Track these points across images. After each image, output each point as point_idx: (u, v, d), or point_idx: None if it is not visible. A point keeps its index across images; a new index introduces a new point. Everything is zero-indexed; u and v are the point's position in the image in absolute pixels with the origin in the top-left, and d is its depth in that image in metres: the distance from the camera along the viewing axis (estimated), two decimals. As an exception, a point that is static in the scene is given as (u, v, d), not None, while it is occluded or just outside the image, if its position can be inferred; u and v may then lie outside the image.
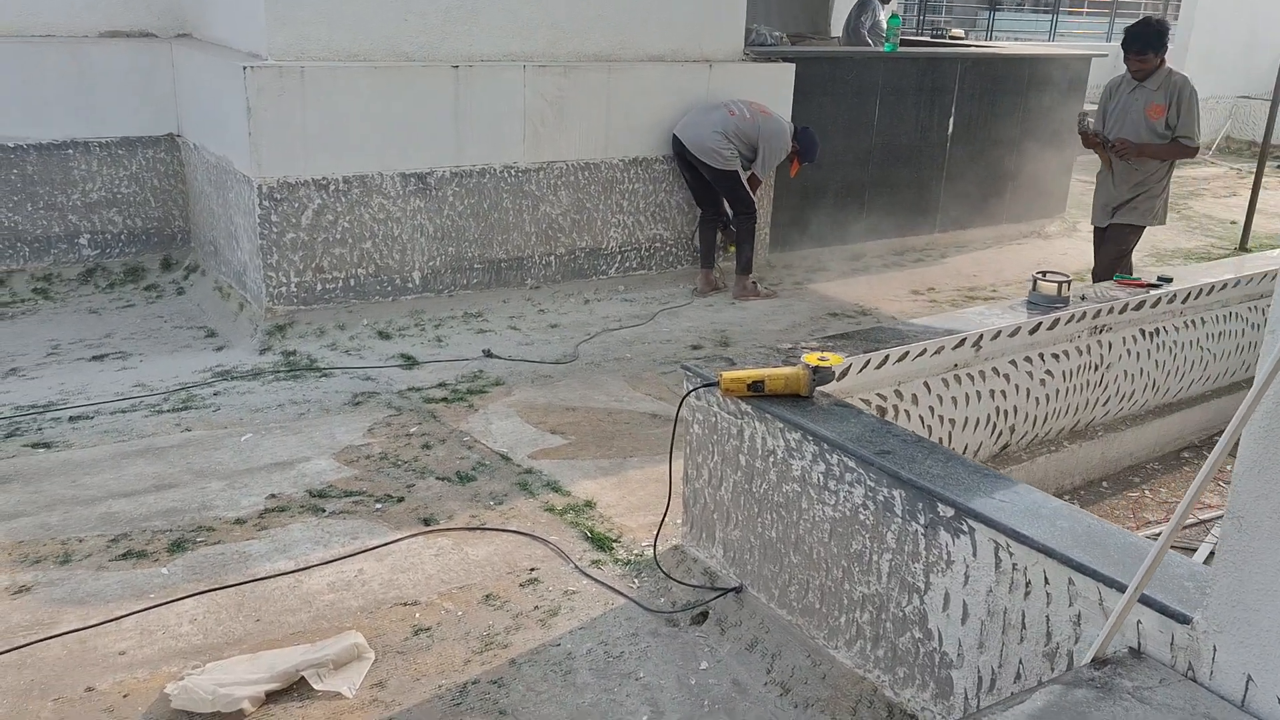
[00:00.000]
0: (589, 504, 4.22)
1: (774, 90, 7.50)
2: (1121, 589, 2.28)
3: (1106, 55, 11.37)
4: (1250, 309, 5.18)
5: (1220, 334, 5.05)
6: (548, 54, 6.58)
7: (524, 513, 4.14)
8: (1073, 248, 9.32)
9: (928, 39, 10.71)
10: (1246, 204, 10.64)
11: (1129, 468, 4.73)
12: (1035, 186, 9.65)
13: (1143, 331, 4.65)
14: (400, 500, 4.18)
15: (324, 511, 4.07)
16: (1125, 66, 5.96)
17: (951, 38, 10.92)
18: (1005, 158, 9.29)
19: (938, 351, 3.87)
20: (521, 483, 4.37)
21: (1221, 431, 5.11)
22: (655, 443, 4.84)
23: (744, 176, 7.09)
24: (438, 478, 4.38)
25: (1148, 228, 6.21)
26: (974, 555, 2.62)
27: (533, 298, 6.75)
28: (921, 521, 2.74)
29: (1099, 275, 6.18)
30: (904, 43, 9.11)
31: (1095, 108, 6.47)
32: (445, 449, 4.66)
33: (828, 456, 3.00)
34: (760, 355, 3.58)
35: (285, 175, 5.71)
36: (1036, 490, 2.71)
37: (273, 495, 4.19)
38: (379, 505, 4.14)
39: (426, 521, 4.03)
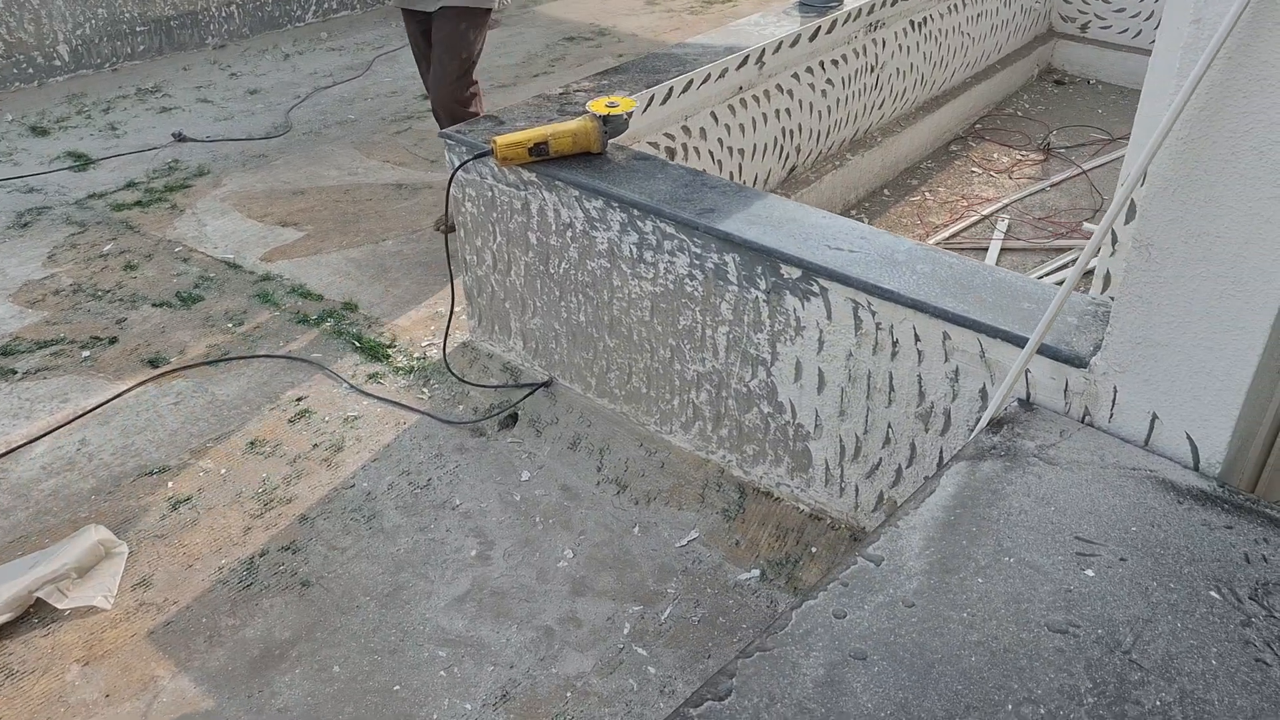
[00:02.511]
0: (349, 306, 3.61)
1: None
2: (1008, 339, 2.03)
3: None
4: (1003, -15, 4.98)
5: (978, 15, 4.84)
6: None
7: (272, 330, 3.48)
8: (796, -65, 8.87)
9: None
10: None
11: (905, 170, 4.57)
12: None
13: (912, 23, 4.35)
14: (113, 342, 3.41)
15: (15, 374, 3.26)
16: None
17: None
18: None
19: (722, 75, 3.41)
20: (261, 293, 3.67)
21: (981, 119, 5.04)
22: (407, 218, 4.20)
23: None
24: (154, 304, 3.61)
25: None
26: (828, 318, 2.29)
27: (219, 60, 5.65)
28: (762, 287, 2.37)
29: (438, 99, 3.80)
30: None
31: None
32: (155, 267, 3.84)
33: (639, 224, 2.53)
34: (531, 109, 2.99)
35: None
36: (884, 232, 2.38)
37: (-60, 364, 3.32)
38: (87, 353, 3.36)
39: (153, 363, 3.31)
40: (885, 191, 4.39)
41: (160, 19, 5.39)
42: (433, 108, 3.86)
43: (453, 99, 3.78)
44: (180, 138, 4.84)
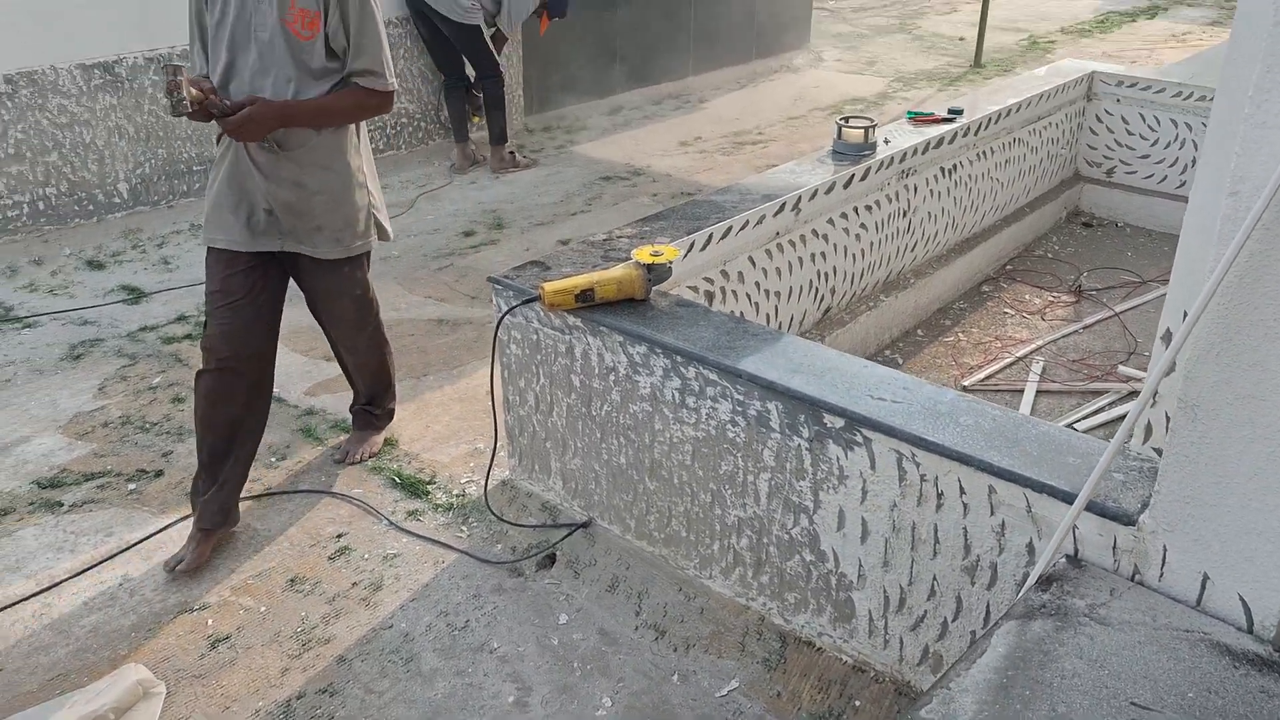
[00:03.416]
0: (389, 442, 3.65)
1: (508, -68, 6.71)
2: (1054, 494, 2.03)
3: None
4: (1030, 133, 5.12)
5: (1006, 161, 4.97)
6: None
7: (314, 465, 3.53)
8: (823, 79, 9.21)
9: None
10: (969, 19, 10.90)
11: (939, 311, 4.63)
12: (779, 19, 9.41)
13: (942, 169, 4.47)
14: (158, 475, 3.46)
15: (62, 506, 3.30)
16: None
17: None
18: (750, -10, 8.95)
19: (760, 221, 3.51)
20: (304, 428, 3.73)
21: (1012, 260, 5.12)
22: (447, 354, 4.28)
23: (487, 34, 6.38)
24: (200, 438, 3.67)
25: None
26: (872, 468, 2.31)
27: (269, 197, 5.86)
28: (805, 435, 2.40)
29: (356, 363, 3.50)
30: None
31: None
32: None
33: (683, 370, 2.58)
34: (576, 255, 3.08)
35: (-75, 82, 4.53)
36: (926, 383, 2.41)
37: (-11, 495, 3.37)
38: (133, 486, 3.41)
39: (197, 497, 3.35)
40: (919, 332, 4.45)
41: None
42: (347, 375, 3.57)
43: (377, 349, 3.48)
44: (230, 272, 4.98)
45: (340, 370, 4.07)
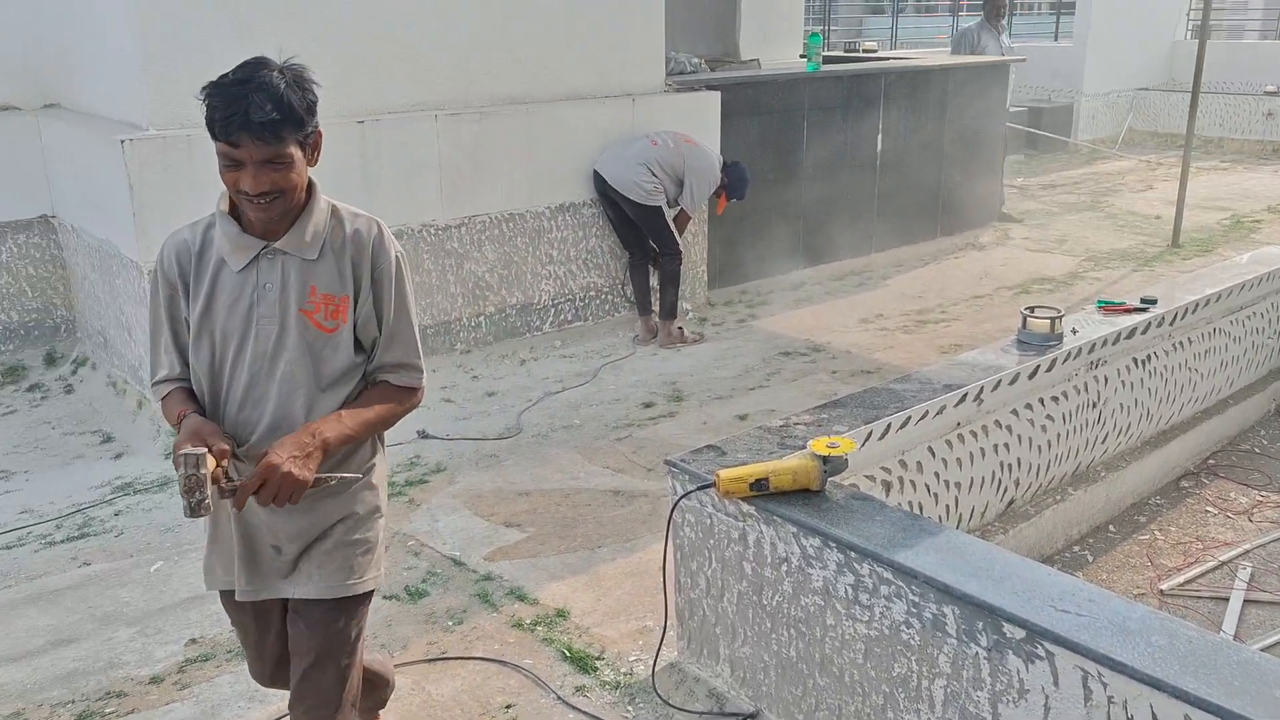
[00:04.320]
0: (561, 613, 3.71)
1: (700, 120, 7.11)
2: (1260, 732, 1.88)
3: (1025, 59, 11.29)
4: (1231, 322, 4.92)
5: (1205, 352, 4.77)
6: (460, 100, 6.08)
7: (488, 631, 3.62)
8: (1010, 257, 9.13)
9: (841, 54, 10.50)
10: (1166, 197, 10.64)
11: (1133, 506, 4.40)
12: (965, 197, 9.45)
13: (1135, 360, 4.34)
14: (344, 632, 3.62)
15: (256, 656, 3.49)
16: (242, 207, 2.15)
17: (865, 51, 10.71)
18: (934, 170, 9.07)
19: (940, 412, 3.48)
20: (481, 593, 3.84)
21: (1215, 454, 4.85)
22: (623, 526, 4.36)
23: (669, 215, 6.67)
24: (384, 596, 3.83)
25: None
26: (1055, 685, 2.20)
27: (464, 364, 6.22)
28: (983, 644, 2.31)
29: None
30: (824, 60, 8.83)
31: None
32: (389, 558, 4.10)
33: (856, 566, 2.56)
34: (752, 441, 3.13)
35: (179, 257, 5.09)
36: (1115, 595, 2.30)
37: (193, 640, 3.59)
38: (320, 641, 3.57)
39: (378, 657, 3.48)
40: (1111, 528, 4.23)
41: (418, 327, 6.03)
42: None
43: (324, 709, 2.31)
44: (423, 435, 5.28)
45: (517, 535, 4.19)
